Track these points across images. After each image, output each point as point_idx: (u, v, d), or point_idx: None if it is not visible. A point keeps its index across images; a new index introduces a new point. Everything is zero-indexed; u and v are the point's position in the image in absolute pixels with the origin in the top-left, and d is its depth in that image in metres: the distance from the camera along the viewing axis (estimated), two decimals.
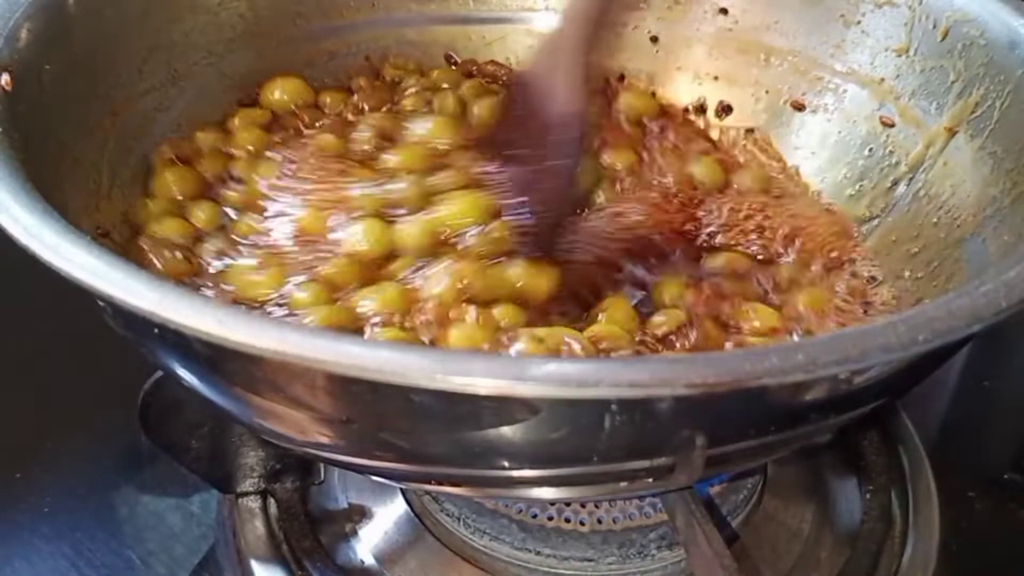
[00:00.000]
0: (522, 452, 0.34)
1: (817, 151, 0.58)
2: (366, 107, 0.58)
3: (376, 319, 0.44)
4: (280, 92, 0.57)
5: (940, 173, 0.51)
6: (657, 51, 0.63)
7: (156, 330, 0.31)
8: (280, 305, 0.45)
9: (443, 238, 0.47)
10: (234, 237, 0.49)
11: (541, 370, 0.28)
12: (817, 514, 0.51)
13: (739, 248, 0.52)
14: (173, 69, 0.53)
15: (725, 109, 0.61)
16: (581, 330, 0.43)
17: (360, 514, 0.50)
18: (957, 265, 0.47)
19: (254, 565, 0.48)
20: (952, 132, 0.51)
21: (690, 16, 0.61)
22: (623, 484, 0.37)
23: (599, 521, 0.48)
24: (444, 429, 0.33)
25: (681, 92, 0.62)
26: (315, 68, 0.60)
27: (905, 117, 0.54)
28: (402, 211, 0.49)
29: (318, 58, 0.60)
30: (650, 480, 0.36)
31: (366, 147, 0.53)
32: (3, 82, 0.41)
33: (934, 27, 0.52)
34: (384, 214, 0.49)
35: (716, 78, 0.61)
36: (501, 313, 0.44)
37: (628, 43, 0.62)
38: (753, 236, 0.53)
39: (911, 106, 0.54)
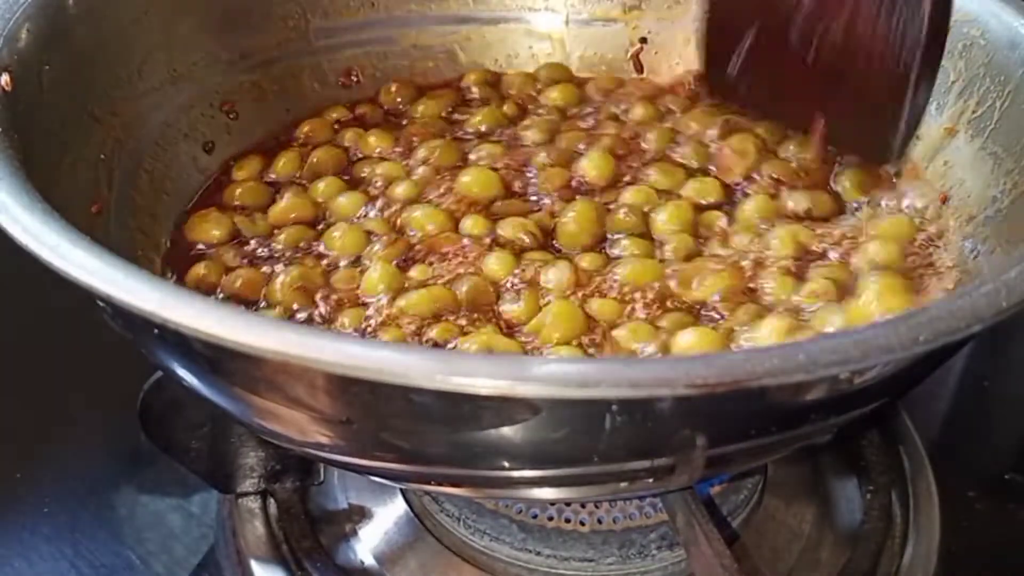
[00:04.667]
0: (523, 452, 0.34)
1: None
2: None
3: None
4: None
5: (940, 173, 0.51)
6: (656, 51, 0.63)
7: (156, 330, 0.31)
8: None
9: None
10: None
11: (542, 370, 0.29)
12: (818, 514, 0.51)
13: None
14: (173, 69, 0.53)
15: None
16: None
17: (360, 514, 0.50)
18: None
19: (254, 565, 0.48)
20: (952, 132, 0.51)
21: (690, 16, 0.61)
22: (623, 484, 0.37)
23: (599, 521, 0.48)
24: (444, 429, 0.33)
25: None
26: (315, 67, 0.60)
27: None
28: None
29: (318, 57, 0.60)
30: (650, 480, 0.36)
31: None
32: (3, 82, 0.41)
33: None
34: None
35: None
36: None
37: (624, 42, 0.62)
38: None
39: None
